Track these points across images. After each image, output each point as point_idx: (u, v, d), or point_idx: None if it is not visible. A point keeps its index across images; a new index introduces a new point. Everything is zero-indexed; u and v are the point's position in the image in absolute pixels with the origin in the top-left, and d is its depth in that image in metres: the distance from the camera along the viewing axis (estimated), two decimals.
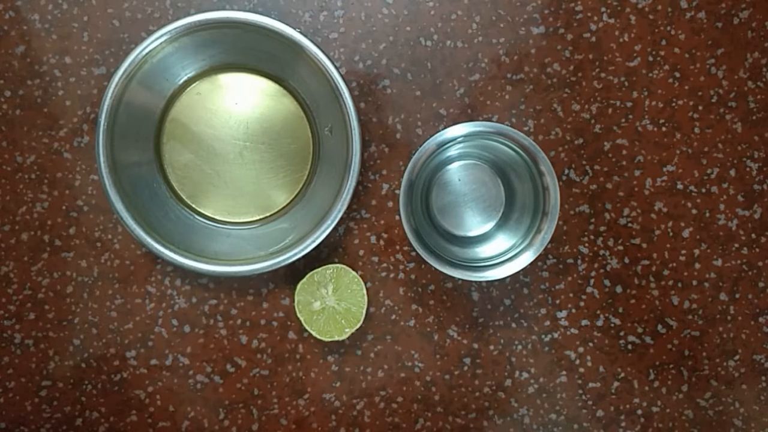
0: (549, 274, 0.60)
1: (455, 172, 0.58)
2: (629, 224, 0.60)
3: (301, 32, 0.53)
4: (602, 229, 0.60)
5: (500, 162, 0.57)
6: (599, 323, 0.60)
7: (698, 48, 0.59)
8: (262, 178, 0.58)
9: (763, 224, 0.60)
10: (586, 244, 0.60)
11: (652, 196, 0.60)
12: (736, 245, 0.60)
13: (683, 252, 0.60)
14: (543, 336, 0.60)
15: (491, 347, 0.60)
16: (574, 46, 0.59)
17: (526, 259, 0.53)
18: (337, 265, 0.57)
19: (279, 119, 0.58)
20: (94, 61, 0.58)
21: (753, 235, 0.60)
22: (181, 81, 0.57)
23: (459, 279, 0.59)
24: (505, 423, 0.60)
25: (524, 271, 0.59)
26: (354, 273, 0.57)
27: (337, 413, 0.60)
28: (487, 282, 0.59)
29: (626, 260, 0.60)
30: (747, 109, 0.60)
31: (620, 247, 0.60)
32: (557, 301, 0.60)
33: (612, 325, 0.60)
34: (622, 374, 0.60)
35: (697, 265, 0.60)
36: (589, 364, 0.60)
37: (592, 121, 0.59)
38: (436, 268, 0.52)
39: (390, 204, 0.59)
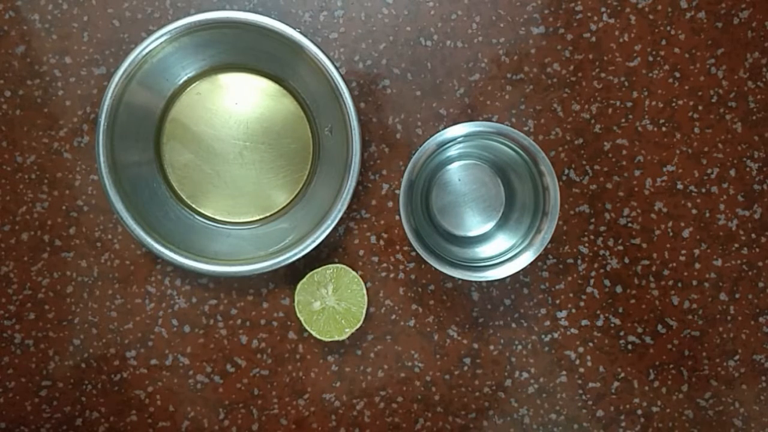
0: (549, 274, 0.60)
1: (455, 172, 0.58)
2: (629, 224, 0.60)
3: (301, 32, 0.53)
4: (602, 229, 0.60)
5: (500, 162, 0.57)
6: (599, 323, 0.60)
7: (698, 48, 0.59)
8: (262, 178, 0.58)
9: (763, 224, 0.60)
10: (586, 244, 0.60)
11: (652, 196, 0.60)
12: (736, 245, 0.60)
13: (683, 252, 0.60)
14: (543, 336, 0.60)
15: (491, 347, 0.60)
16: (574, 46, 0.59)
17: (526, 259, 0.53)
18: (337, 265, 0.57)
19: (279, 119, 0.58)
20: (94, 61, 0.58)
21: (753, 235, 0.60)
22: (181, 81, 0.57)
23: (459, 279, 0.59)
24: (505, 423, 0.60)
25: (524, 271, 0.59)
26: (354, 273, 0.57)
27: (337, 413, 0.60)
28: (487, 282, 0.59)
29: (626, 260, 0.60)
30: (747, 109, 0.60)
31: (620, 247, 0.60)
32: (557, 301, 0.60)
33: (612, 325, 0.60)
34: (622, 374, 0.60)
35: (697, 265, 0.60)
36: (589, 364, 0.60)
37: (592, 121, 0.59)
38: (436, 268, 0.52)
39: (390, 204, 0.59)
